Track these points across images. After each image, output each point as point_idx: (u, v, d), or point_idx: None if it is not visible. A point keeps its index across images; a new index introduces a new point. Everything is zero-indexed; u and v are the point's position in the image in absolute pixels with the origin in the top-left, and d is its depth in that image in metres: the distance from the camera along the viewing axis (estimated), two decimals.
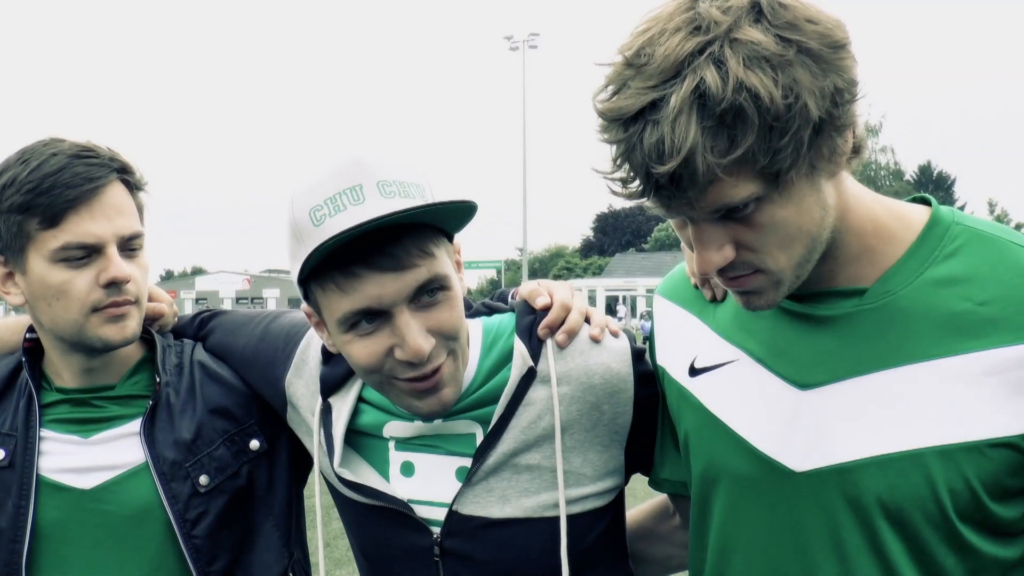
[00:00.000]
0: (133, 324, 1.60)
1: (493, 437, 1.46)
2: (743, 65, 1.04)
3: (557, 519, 1.46)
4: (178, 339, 1.81)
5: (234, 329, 1.80)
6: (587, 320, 1.55)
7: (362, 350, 1.34)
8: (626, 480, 1.59)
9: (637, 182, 1.11)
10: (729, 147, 1.05)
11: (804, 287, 1.27)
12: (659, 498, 1.75)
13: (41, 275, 1.54)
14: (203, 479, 1.63)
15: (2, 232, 1.54)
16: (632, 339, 1.57)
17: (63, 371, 1.66)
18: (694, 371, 1.42)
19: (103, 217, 1.53)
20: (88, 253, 1.53)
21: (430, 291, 1.33)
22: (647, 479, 1.66)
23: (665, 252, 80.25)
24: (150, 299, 1.72)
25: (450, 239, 1.41)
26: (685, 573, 1.64)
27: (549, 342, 1.49)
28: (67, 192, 1.49)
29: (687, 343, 1.46)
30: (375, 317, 1.32)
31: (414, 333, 1.30)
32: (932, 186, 61.84)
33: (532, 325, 1.51)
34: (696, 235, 1.16)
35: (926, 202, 1.31)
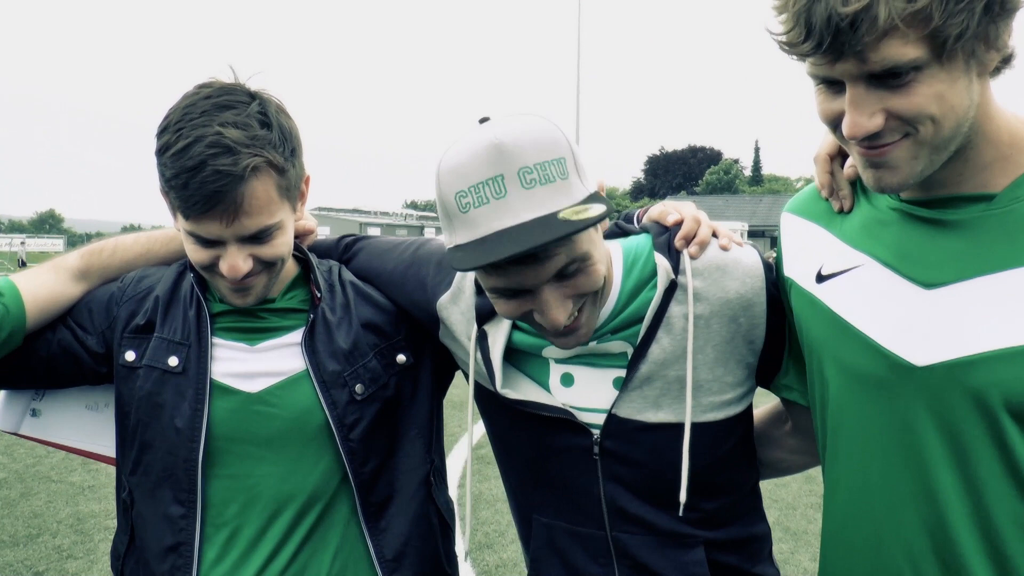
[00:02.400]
0: (258, 290, 1.68)
1: (643, 348, 1.54)
2: None
3: (705, 423, 1.55)
4: (322, 259, 1.90)
5: (380, 253, 1.90)
6: (714, 235, 1.62)
7: (505, 308, 1.46)
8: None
9: (810, 37, 1.16)
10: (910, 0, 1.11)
11: (932, 192, 1.31)
12: (773, 404, 1.81)
13: (181, 235, 1.65)
14: (359, 388, 1.72)
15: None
16: (759, 251, 1.63)
17: None
18: (821, 278, 1.47)
19: (224, 220, 1.54)
20: (210, 243, 1.60)
21: (568, 271, 1.40)
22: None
23: (716, 196, 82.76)
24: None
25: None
26: (790, 477, 1.76)
27: (686, 255, 1.56)
28: (193, 198, 1.51)
29: (814, 253, 1.50)
30: (517, 292, 1.42)
31: (552, 308, 1.41)
32: None
33: (669, 241, 1.58)
34: (852, 99, 1.20)
35: None
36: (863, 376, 1.37)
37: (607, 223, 1.65)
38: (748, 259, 1.60)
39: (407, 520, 1.79)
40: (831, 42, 1.16)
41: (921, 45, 1.14)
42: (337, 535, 1.74)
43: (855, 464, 1.41)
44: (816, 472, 1.73)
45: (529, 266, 1.37)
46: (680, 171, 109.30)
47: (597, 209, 1.36)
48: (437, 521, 1.86)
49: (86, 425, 1.89)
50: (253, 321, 1.74)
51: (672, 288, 1.56)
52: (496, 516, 5.74)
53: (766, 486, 1.92)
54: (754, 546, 1.70)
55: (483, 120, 1.42)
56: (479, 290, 1.66)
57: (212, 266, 1.63)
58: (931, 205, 1.34)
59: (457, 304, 1.71)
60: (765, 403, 1.82)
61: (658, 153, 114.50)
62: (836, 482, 1.46)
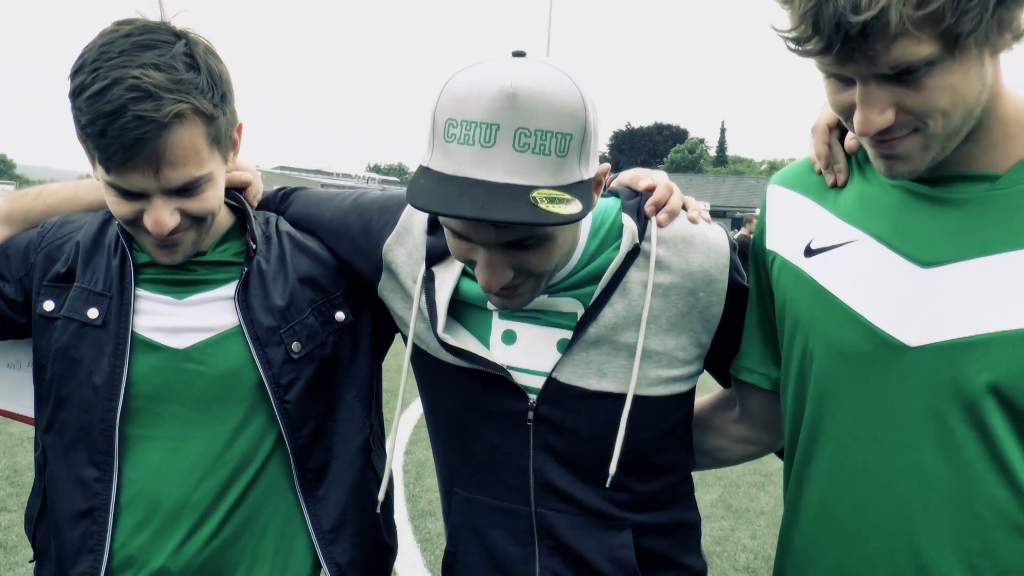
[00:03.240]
0: (186, 248, 1.58)
1: (595, 310, 1.49)
2: None
3: (648, 397, 1.50)
4: (259, 211, 1.80)
5: (318, 202, 1.81)
6: (684, 207, 1.57)
7: (453, 247, 1.41)
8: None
9: (818, 38, 1.14)
10: (922, 1, 1.08)
11: (936, 170, 1.28)
12: (717, 392, 1.79)
13: (101, 185, 1.54)
14: (295, 346, 1.63)
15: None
16: (726, 230, 1.59)
17: None
18: (810, 252, 1.44)
19: (148, 170, 1.43)
20: (133, 195, 1.49)
21: (523, 244, 1.34)
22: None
23: (680, 175, 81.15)
24: (237, 169, 1.71)
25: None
26: (729, 469, 1.82)
27: (654, 222, 1.51)
28: (112, 146, 1.39)
29: (803, 226, 1.47)
30: (466, 238, 1.36)
31: (490, 272, 1.35)
32: None
33: (639, 205, 1.54)
34: (863, 95, 1.19)
35: None
36: (851, 354, 1.35)
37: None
38: (715, 235, 1.56)
39: (346, 488, 1.71)
40: (840, 48, 1.14)
41: (933, 43, 1.13)
42: (270, 504, 1.66)
43: (839, 442, 1.38)
44: None
45: (482, 226, 1.31)
46: (645, 148, 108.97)
47: (574, 207, 1.28)
48: (376, 489, 1.76)
49: (6, 383, 1.80)
50: (182, 274, 1.64)
51: (634, 253, 1.51)
52: (436, 484, 5.70)
53: None
54: (683, 533, 1.66)
55: (516, 54, 1.32)
56: (431, 229, 1.59)
57: (135, 220, 1.52)
58: (933, 183, 1.32)
59: (403, 245, 1.63)
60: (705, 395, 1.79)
61: (624, 129, 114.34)
62: (817, 460, 1.43)
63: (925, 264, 1.30)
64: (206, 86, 1.47)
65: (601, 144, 1.43)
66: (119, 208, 1.52)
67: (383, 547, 1.81)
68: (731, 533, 5.35)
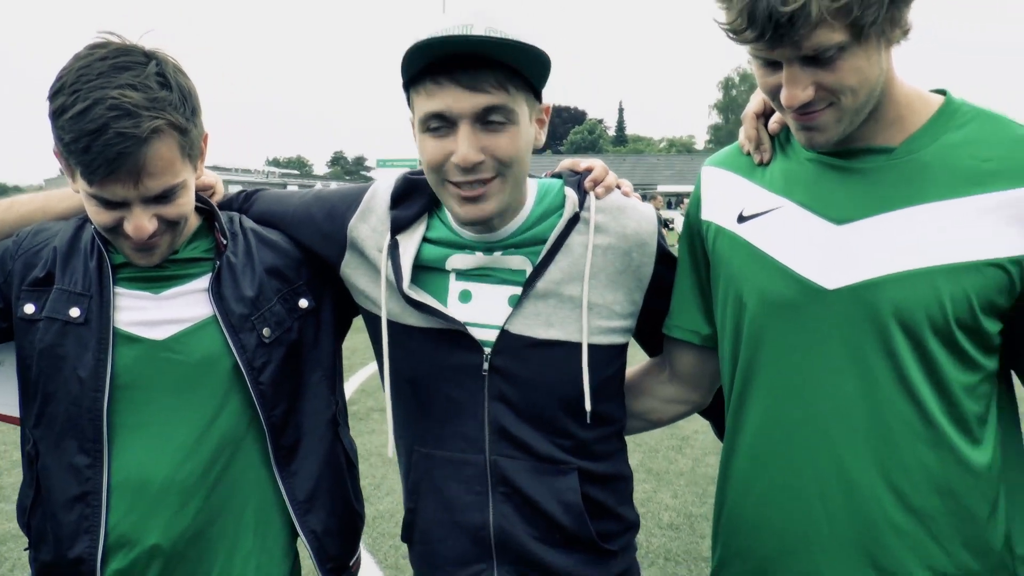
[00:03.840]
0: (163, 250, 1.72)
1: (542, 267, 1.70)
2: None
3: (591, 345, 1.70)
4: (223, 211, 1.92)
5: (279, 199, 2.00)
6: (617, 186, 1.84)
7: (429, 147, 1.60)
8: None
9: (753, 27, 1.40)
10: None
11: (843, 144, 1.57)
12: (647, 360, 2.02)
13: (82, 197, 1.66)
14: (266, 331, 1.77)
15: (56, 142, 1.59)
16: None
17: None
18: (742, 219, 1.70)
19: (129, 181, 1.56)
20: (114, 205, 1.61)
21: (495, 120, 1.56)
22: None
23: (581, 155, 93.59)
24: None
25: (538, 97, 1.65)
26: (658, 431, 1.93)
27: (592, 196, 1.75)
28: (96, 161, 1.52)
29: (735, 198, 1.73)
30: (445, 122, 1.57)
31: (465, 145, 1.55)
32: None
33: (580, 181, 1.77)
34: (788, 76, 1.46)
35: (942, 93, 1.61)
36: (780, 300, 1.60)
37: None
38: (645, 208, 1.82)
39: (317, 462, 1.85)
40: (772, 34, 1.40)
41: (844, 31, 1.40)
42: (248, 479, 1.79)
43: (771, 379, 1.63)
44: None
45: (463, 89, 1.53)
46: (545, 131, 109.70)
47: (539, 92, 1.64)
48: (344, 460, 1.94)
49: None
50: (157, 271, 1.76)
51: (575, 221, 1.73)
52: (371, 470, 5.85)
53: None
54: (620, 485, 1.85)
55: None
56: (394, 204, 1.78)
57: (116, 228, 1.65)
58: (842, 156, 1.59)
59: (367, 221, 1.81)
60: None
61: None
62: (752, 398, 1.66)
63: (839, 222, 1.57)
64: (178, 102, 1.61)
65: None
66: (100, 217, 1.64)
67: (353, 513, 1.97)
68: (653, 495, 5.64)
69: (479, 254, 1.73)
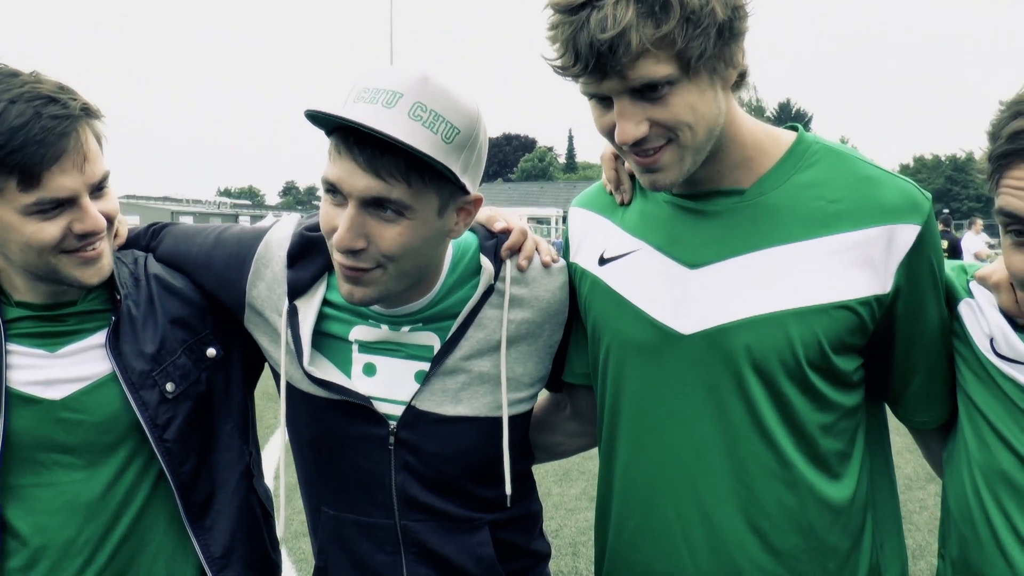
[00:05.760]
0: (106, 261, 1.66)
1: (451, 344, 1.65)
2: None
3: (499, 419, 1.68)
4: (128, 250, 1.85)
5: (187, 237, 1.88)
6: (537, 249, 1.77)
7: (323, 211, 1.50)
8: None
9: (579, 61, 1.38)
10: (656, 27, 1.34)
11: (695, 187, 1.57)
12: (551, 396, 2.00)
13: (10, 224, 1.54)
14: (169, 386, 1.71)
15: None
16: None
17: (25, 291, 1.68)
18: (603, 261, 1.69)
19: (75, 169, 1.51)
20: (61, 205, 1.55)
21: (383, 208, 1.44)
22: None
23: (531, 183, 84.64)
24: None
25: (463, 190, 1.51)
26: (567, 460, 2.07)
27: (508, 264, 1.70)
28: (40, 150, 1.47)
29: (598, 240, 1.73)
30: (339, 194, 1.46)
31: (344, 228, 1.44)
32: (790, 122, 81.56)
33: (496, 247, 1.70)
34: (619, 110, 1.42)
35: (795, 129, 1.63)
36: (639, 345, 1.61)
37: (462, 228, 1.63)
38: (561, 275, 1.78)
39: (232, 515, 1.81)
40: (595, 64, 1.37)
41: (671, 64, 1.38)
42: (157, 536, 1.74)
43: (633, 422, 1.64)
44: None
45: (358, 168, 1.42)
46: (496, 158, 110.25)
47: (462, 184, 1.48)
48: (260, 511, 1.89)
49: None
50: (52, 325, 1.70)
51: (489, 292, 1.69)
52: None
53: (575, 459, 2.08)
54: (529, 524, 1.87)
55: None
56: (291, 262, 1.71)
57: (63, 239, 1.58)
58: (695, 198, 1.60)
59: (262, 279, 1.74)
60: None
61: None
62: (619, 439, 1.68)
63: (692, 266, 1.58)
64: (78, 96, 1.59)
65: None
66: (45, 232, 1.56)
67: (270, 565, 1.94)
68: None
69: (384, 328, 1.67)
